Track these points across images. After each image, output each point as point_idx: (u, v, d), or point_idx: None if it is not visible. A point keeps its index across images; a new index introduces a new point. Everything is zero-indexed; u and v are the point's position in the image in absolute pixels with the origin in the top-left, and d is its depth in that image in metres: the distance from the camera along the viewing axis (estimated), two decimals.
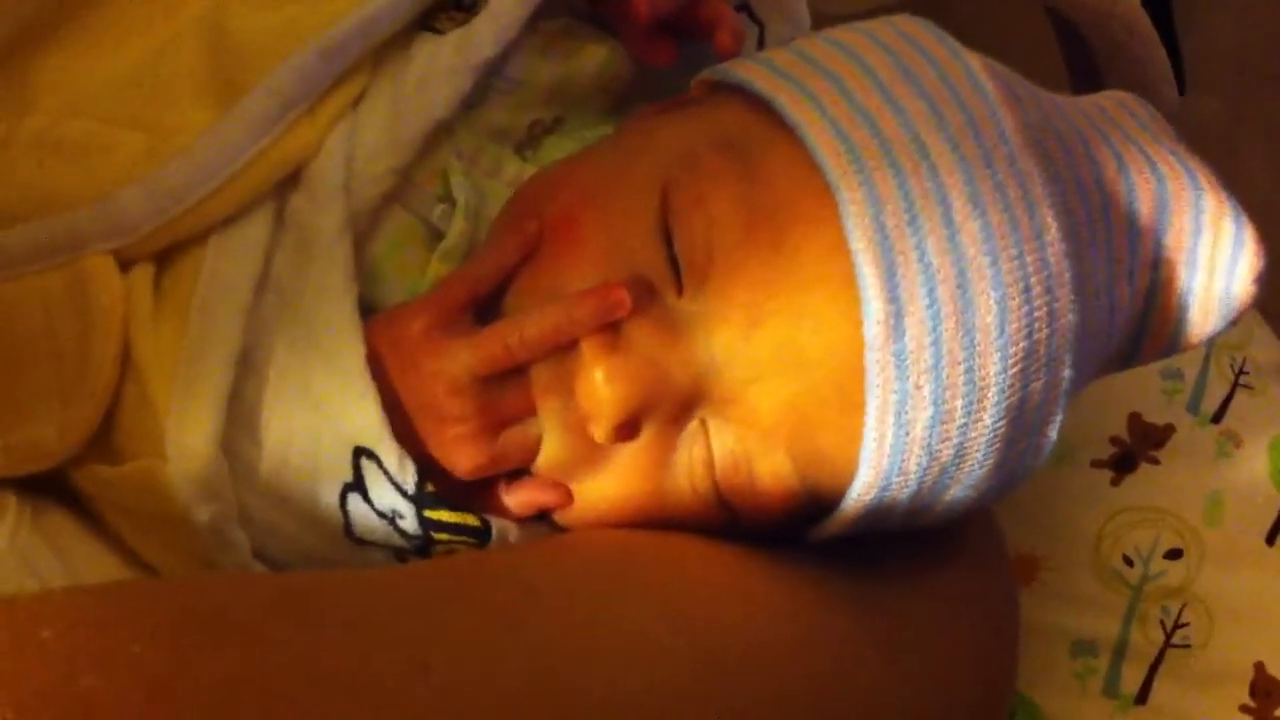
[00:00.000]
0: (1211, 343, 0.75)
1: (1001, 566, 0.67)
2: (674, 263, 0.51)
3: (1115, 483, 0.81)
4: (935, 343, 0.49)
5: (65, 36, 0.58)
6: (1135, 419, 0.82)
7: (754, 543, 0.54)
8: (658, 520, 0.53)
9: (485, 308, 0.53)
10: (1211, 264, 0.56)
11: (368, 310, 0.54)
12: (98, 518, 0.56)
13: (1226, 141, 1.22)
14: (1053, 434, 0.53)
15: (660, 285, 0.51)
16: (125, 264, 0.54)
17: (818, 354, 0.50)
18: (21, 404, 0.53)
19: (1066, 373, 0.51)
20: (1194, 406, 0.83)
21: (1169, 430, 0.82)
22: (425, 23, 0.59)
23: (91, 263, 0.53)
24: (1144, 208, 0.55)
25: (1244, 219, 0.56)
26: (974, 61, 0.53)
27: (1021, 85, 0.55)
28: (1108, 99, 0.59)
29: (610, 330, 0.50)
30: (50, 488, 0.55)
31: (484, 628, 0.45)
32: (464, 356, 0.51)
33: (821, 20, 0.67)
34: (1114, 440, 0.82)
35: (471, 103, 0.58)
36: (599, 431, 0.50)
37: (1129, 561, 0.78)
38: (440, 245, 0.56)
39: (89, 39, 0.58)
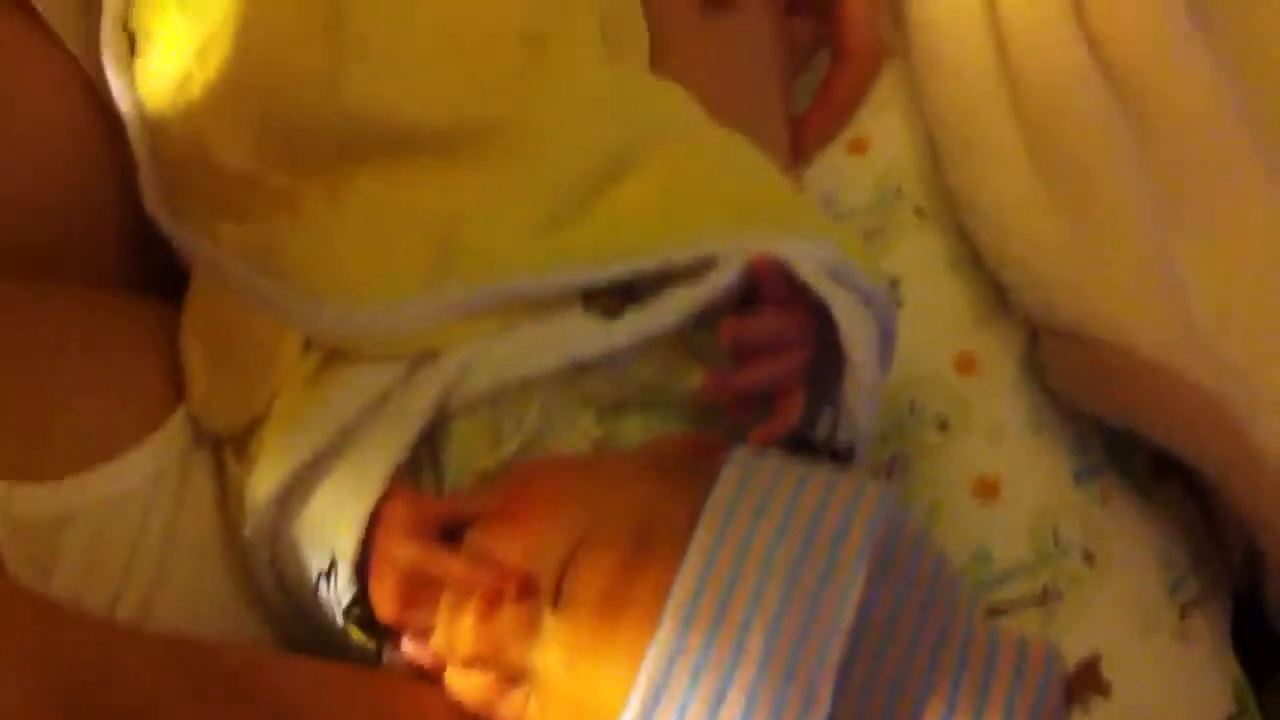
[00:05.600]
0: None
1: None
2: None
3: None
4: None
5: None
6: None
7: None
8: None
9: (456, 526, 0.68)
10: None
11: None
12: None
13: None
14: None
15: (545, 591, 0.64)
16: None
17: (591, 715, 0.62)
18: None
19: None
20: None
21: None
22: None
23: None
24: None
25: None
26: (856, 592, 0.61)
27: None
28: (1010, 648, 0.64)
29: (496, 598, 0.64)
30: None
31: None
32: (408, 553, 0.67)
33: None
34: None
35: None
36: (453, 658, 0.66)
37: None
38: (493, 453, 0.70)
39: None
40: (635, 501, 0.66)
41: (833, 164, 0.98)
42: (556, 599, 0.64)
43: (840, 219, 0.96)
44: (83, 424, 0.70)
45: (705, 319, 0.71)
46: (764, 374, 0.71)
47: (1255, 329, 0.91)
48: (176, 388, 0.74)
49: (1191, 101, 0.94)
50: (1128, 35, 0.95)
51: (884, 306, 0.75)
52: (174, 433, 0.72)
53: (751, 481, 0.65)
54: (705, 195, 0.74)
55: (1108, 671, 0.82)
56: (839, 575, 0.61)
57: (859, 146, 0.99)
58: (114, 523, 0.68)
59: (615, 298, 0.71)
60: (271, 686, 0.66)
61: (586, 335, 0.70)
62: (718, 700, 0.59)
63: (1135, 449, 0.92)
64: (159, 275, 0.78)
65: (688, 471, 0.67)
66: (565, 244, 0.71)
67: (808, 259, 0.71)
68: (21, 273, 0.74)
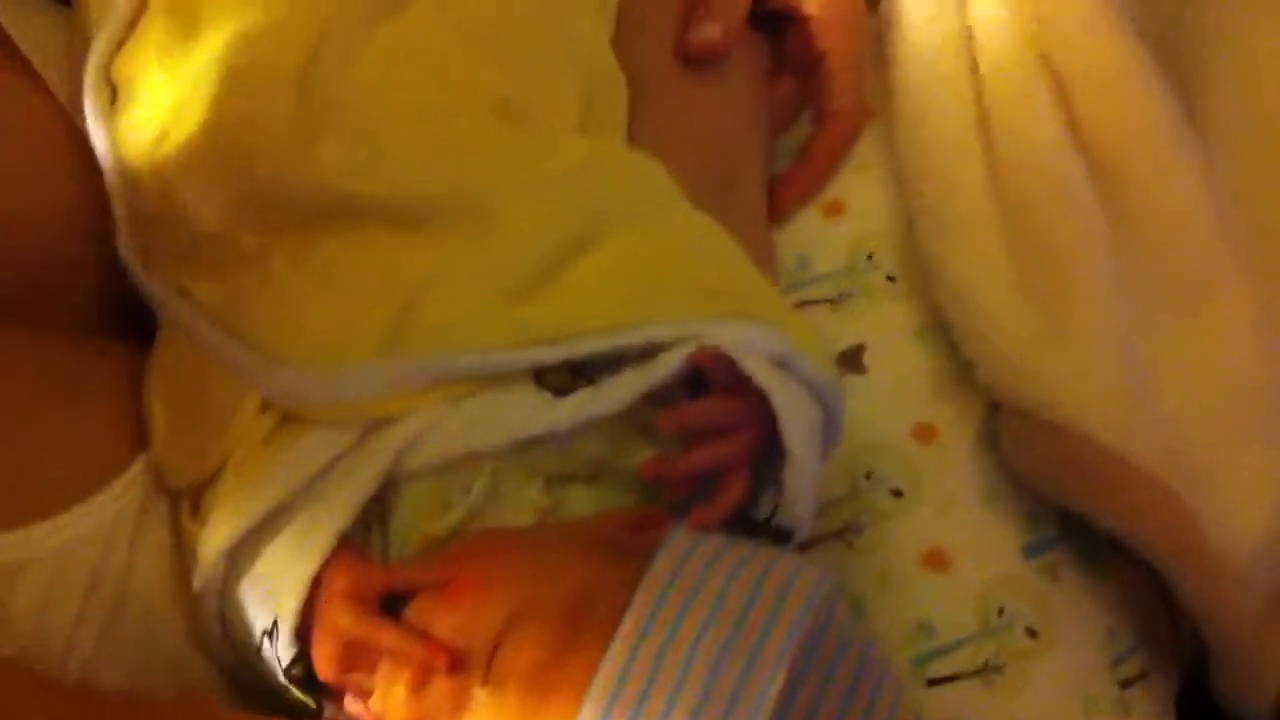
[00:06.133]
0: None
1: None
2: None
3: None
4: None
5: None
6: None
7: None
8: None
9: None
10: None
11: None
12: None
13: None
14: None
15: (476, 667, 0.66)
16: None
17: None
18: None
19: None
20: None
21: None
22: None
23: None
24: None
25: None
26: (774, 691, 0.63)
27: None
28: None
29: (428, 672, 0.66)
30: None
31: None
32: (346, 622, 0.69)
33: None
34: None
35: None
36: (385, 716, 0.68)
37: None
38: (440, 519, 0.73)
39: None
40: (570, 581, 0.67)
41: (808, 226, 0.99)
42: (487, 675, 0.66)
43: (813, 282, 0.97)
44: (45, 474, 0.72)
45: (657, 398, 0.73)
46: (708, 457, 0.73)
47: (1219, 419, 0.92)
48: (140, 435, 0.76)
49: (1172, 196, 0.94)
50: (1111, 124, 0.96)
51: (830, 395, 0.76)
52: (133, 479, 0.75)
53: (685, 568, 0.67)
54: (660, 281, 0.76)
55: None
56: (760, 673, 0.63)
57: (835, 209, 0.99)
58: (70, 568, 0.71)
59: (567, 374, 0.73)
60: None
61: (533, 413, 0.72)
62: None
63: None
64: (133, 321, 0.80)
65: (626, 551, 0.69)
66: (519, 322, 0.73)
67: (753, 349, 0.73)
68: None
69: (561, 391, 0.72)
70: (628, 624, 0.64)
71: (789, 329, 0.76)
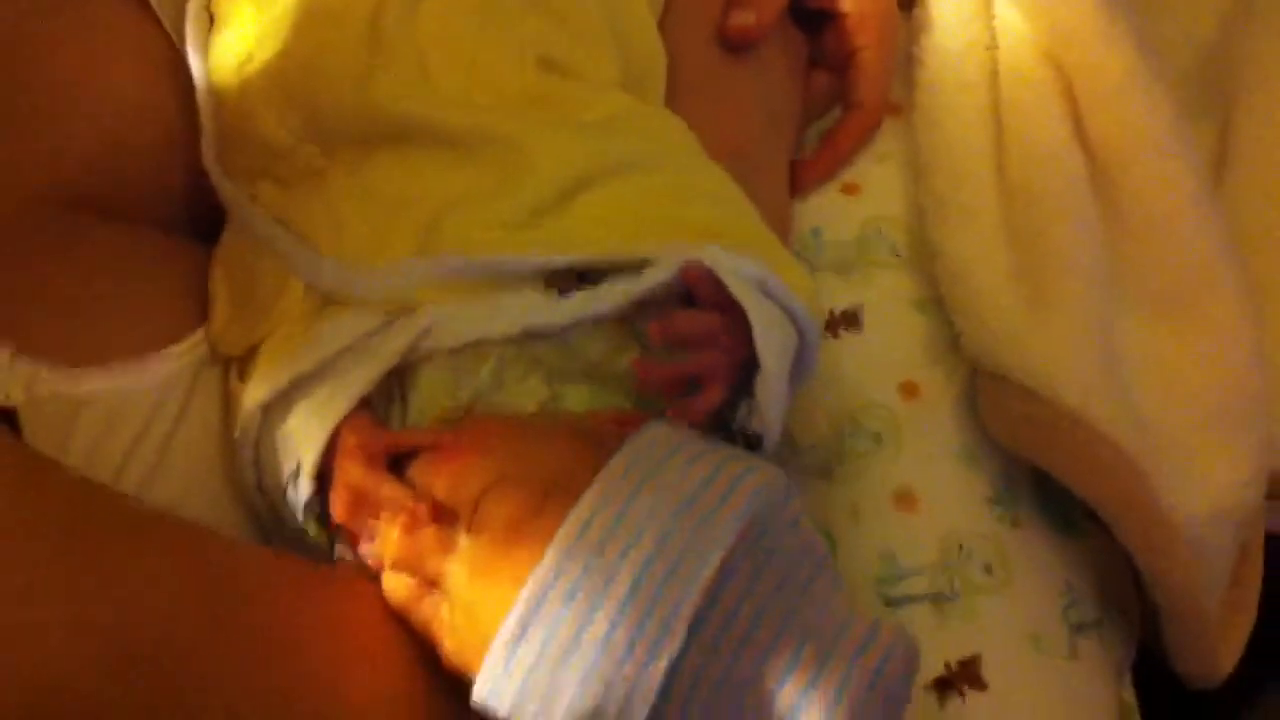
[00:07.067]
0: None
1: None
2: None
3: None
4: (522, 685, 0.72)
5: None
6: None
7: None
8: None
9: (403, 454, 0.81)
10: None
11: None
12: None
13: None
14: None
15: (462, 518, 0.77)
16: None
17: (483, 621, 0.74)
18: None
19: None
20: None
21: None
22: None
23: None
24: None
25: None
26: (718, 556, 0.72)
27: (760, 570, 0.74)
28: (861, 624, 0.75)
29: (417, 519, 0.77)
30: None
31: None
32: (354, 474, 0.81)
33: None
34: None
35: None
36: (385, 561, 0.79)
37: None
38: (450, 399, 0.84)
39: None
40: (551, 459, 0.78)
41: (825, 202, 1.09)
42: (471, 524, 0.76)
43: (823, 249, 1.07)
44: (113, 326, 0.84)
45: (651, 310, 0.83)
46: (691, 362, 0.82)
47: (1188, 408, 1.00)
48: (200, 313, 0.88)
49: (1165, 201, 1.03)
50: (1113, 129, 1.05)
51: (807, 322, 0.86)
52: (191, 347, 0.86)
53: (654, 448, 0.77)
54: (664, 214, 0.86)
55: (988, 673, 0.92)
56: (709, 537, 0.72)
57: (852, 189, 1.09)
58: (126, 412, 0.82)
59: (573, 280, 0.84)
60: (237, 563, 0.79)
61: (537, 308, 0.83)
62: (585, 621, 0.71)
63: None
64: (209, 220, 0.92)
65: (605, 442, 0.79)
66: (530, 236, 0.84)
67: (737, 270, 0.82)
68: (105, 208, 0.89)
69: (565, 293, 0.83)
70: (595, 487, 0.74)
71: (779, 266, 0.86)
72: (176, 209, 0.93)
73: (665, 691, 0.70)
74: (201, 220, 0.92)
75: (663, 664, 0.70)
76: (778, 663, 0.72)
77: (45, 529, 0.70)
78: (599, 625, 0.71)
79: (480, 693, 0.73)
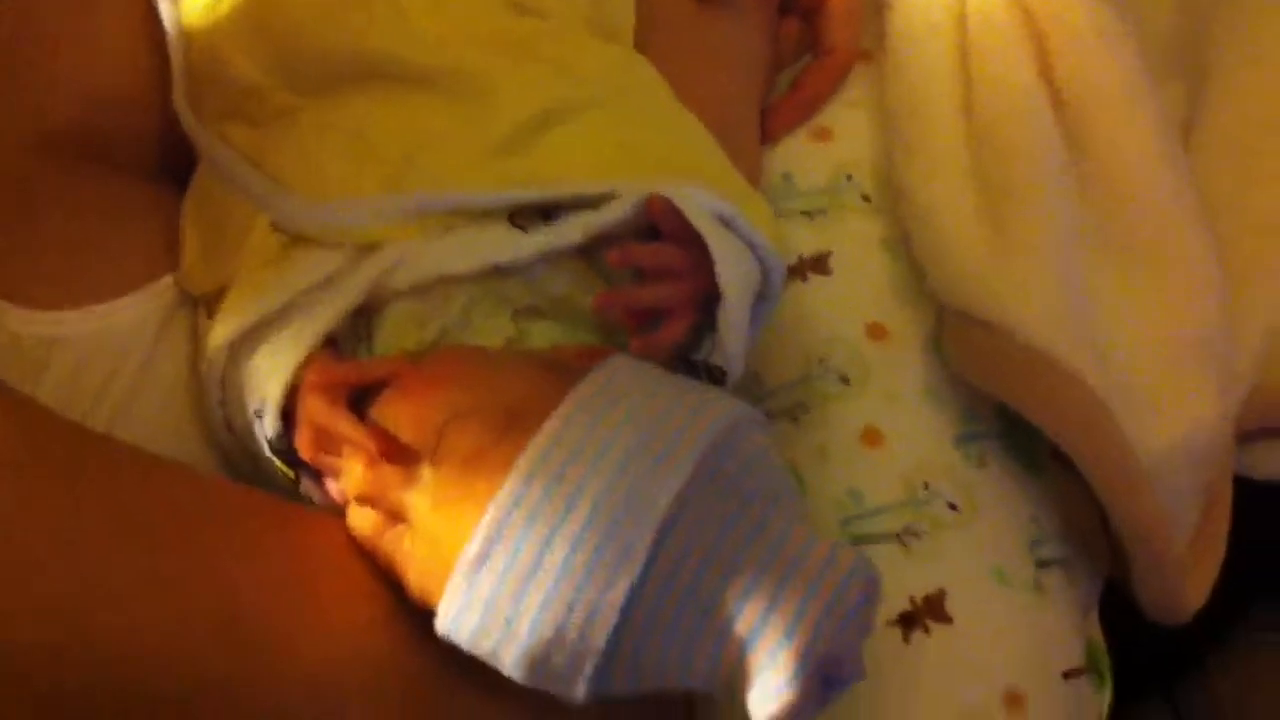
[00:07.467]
0: None
1: None
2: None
3: None
4: (484, 610, 0.72)
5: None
6: None
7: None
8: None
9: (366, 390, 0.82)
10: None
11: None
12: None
13: None
14: None
15: (425, 450, 0.77)
16: None
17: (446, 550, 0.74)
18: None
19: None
20: None
21: None
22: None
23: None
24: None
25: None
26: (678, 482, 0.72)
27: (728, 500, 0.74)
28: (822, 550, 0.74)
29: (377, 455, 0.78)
30: None
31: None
32: (315, 409, 0.82)
33: None
34: None
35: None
36: (349, 495, 0.80)
37: None
38: (416, 336, 0.85)
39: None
40: (514, 390, 0.78)
41: (796, 147, 1.09)
42: (434, 456, 0.77)
43: (793, 195, 1.07)
44: (88, 269, 0.85)
45: (614, 245, 0.84)
46: (650, 295, 0.84)
47: (1153, 351, 1.01)
48: (171, 256, 0.89)
49: (1129, 149, 1.04)
50: (1081, 76, 1.06)
51: (769, 257, 0.87)
52: (161, 290, 0.87)
53: (616, 379, 0.78)
54: (627, 149, 0.87)
55: (953, 608, 0.94)
56: (669, 463, 0.73)
57: (823, 135, 1.10)
58: (98, 352, 0.83)
59: (538, 217, 0.85)
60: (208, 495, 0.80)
61: (501, 244, 0.84)
62: (546, 544, 0.72)
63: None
64: (186, 170, 0.93)
65: (569, 373, 0.79)
66: (499, 170, 0.85)
67: (700, 204, 0.83)
68: (82, 154, 0.90)
69: (528, 231, 0.84)
70: (557, 415, 0.75)
71: (743, 201, 0.87)
72: (154, 155, 0.94)
73: (625, 616, 0.71)
74: (180, 168, 0.93)
75: (622, 588, 0.71)
76: (736, 587, 0.72)
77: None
78: (559, 550, 0.71)
79: (443, 620, 0.74)
